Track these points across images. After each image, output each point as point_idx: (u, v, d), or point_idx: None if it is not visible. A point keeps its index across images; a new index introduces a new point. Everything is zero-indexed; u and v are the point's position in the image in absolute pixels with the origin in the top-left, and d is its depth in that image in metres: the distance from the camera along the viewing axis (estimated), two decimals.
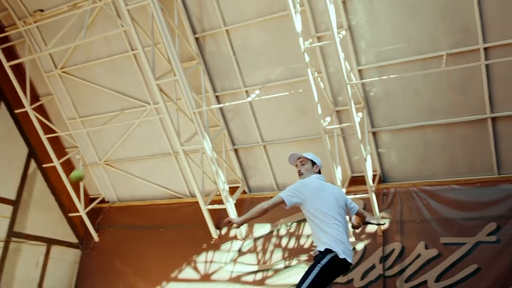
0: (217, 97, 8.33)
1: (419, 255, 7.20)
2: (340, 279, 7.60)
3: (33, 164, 9.82)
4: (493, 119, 6.84)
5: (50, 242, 9.93)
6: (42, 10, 8.56)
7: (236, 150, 8.77)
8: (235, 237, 8.78)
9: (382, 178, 7.84)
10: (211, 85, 8.24)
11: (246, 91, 8.04)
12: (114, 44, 8.50)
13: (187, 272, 9.12)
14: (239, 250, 8.71)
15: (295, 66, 7.52)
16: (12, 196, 9.39)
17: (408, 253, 7.28)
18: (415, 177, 7.56)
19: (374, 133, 7.62)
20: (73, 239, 10.40)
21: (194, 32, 7.88)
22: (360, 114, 7.06)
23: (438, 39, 6.63)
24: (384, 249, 7.46)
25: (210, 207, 8.49)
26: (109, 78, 8.94)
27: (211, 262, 9.01)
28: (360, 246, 7.64)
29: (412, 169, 7.59)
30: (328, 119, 7.19)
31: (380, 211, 7.58)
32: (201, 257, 9.07)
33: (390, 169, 7.79)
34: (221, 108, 8.45)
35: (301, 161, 4.48)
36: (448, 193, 7.23)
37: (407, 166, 7.63)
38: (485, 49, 6.46)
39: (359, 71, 7.17)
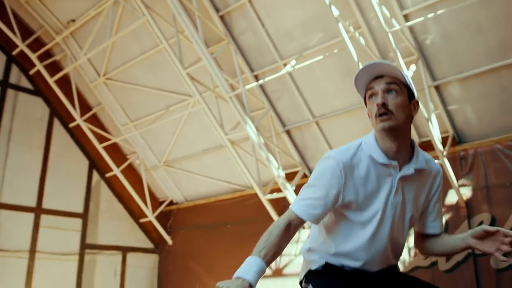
0: (255, 76, 7.58)
1: None
2: (422, 263, 6.53)
3: (95, 175, 9.84)
4: None
5: (125, 250, 9.90)
6: (73, 20, 8.44)
7: (288, 132, 7.96)
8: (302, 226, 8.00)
9: (457, 139, 6.57)
10: (247, 65, 7.51)
11: (285, 64, 7.20)
12: (144, 40, 8.11)
13: None
14: None
15: (333, 26, 6.51)
16: (79, 209, 9.46)
17: (501, 224, 5.96)
18: (497, 132, 6.20)
19: (437, 87, 6.38)
20: (148, 244, 10.30)
21: (217, 10, 7.19)
22: (413, 67, 5.90)
23: None
24: (471, 223, 6.22)
25: (270, 196, 7.79)
26: (148, 76, 8.60)
27: (281, 255, 8.32)
28: None
29: (492, 123, 6.24)
30: None
31: (458, 178, 6.36)
32: None
33: (465, 127, 6.49)
34: (263, 89, 7.69)
35: (387, 84, 2.02)
36: None
37: (486, 120, 6.29)
38: None
39: (405, 16, 5.99)
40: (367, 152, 2.02)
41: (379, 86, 2.00)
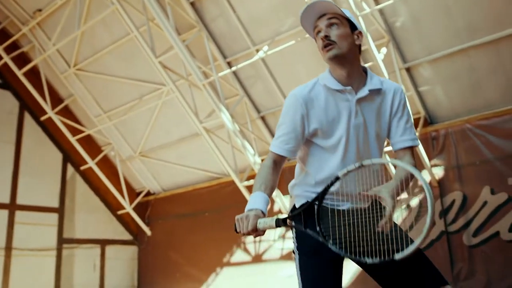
0: (228, 63, 7.55)
1: (485, 203, 6.05)
2: None
3: (70, 168, 9.70)
4: None
5: (103, 242, 9.82)
6: (40, 10, 8.24)
7: (263, 118, 7.98)
8: (279, 211, 8.06)
9: (428, 120, 6.68)
10: (220, 52, 7.46)
11: (257, 50, 7.18)
12: (114, 29, 7.97)
13: (239, 255, 8.63)
14: None
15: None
16: (55, 203, 9.32)
17: (472, 202, 6.15)
18: (467, 112, 6.34)
19: (408, 69, 6.46)
20: (127, 236, 10.25)
21: None
22: (384, 50, 5.96)
23: None
24: (443, 201, 6.38)
25: (247, 183, 7.82)
26: (120, 66, 8.47)
27: (260, 241, 8.40)
28: (414, 202, 6.60)
29: (462, 103, 6.37)
30: None
31: (431, 158, 6.48)
32: (250, 238, 8.50)
33: (436, 107, 6.61)
34: (237, 75, 7.67)
35: (328, 20, 2.20)
36: (510, 124, 5.97)
37: (456, 100, 6.42)
38: None
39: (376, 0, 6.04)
40: (322, 83, 2.23)
41: (322, 23, 2.21)
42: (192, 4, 7.17)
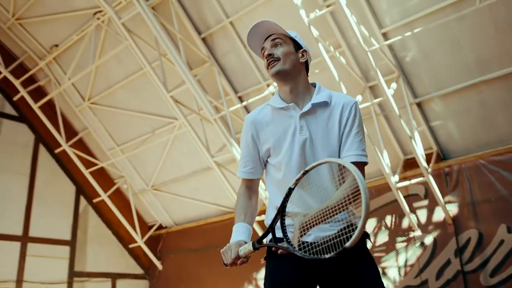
0: (240, 98, 7.57)
1: (502, 242, 5.85)
2: (413, 281, 6.44)
3: (83, 201, 9.74)
4: None
5: (114, 276, 9.73)
6: (56, 45, 8.45)
7: None
8: None
9: (441, 155, 6.55)
10: (231, 86, 7.51)
11: (268, 85, 7.21)
12: (128, 64, 8.11)
13: None
14: None
15: (313, 46, 6.54)
16: (67, 236, 9.33)
17: (488, 240, 5.94)
18: (480, 147, 6.21)
19: (419, 104, 6.39)
20: (138, 270, 10.15)
21: (199, 33, 7.22)
22: (394, 85, 5.91)
23: None
24: (458, 239, 6.18)
25: (258, 218, 7.70)
26: (133, 100, 8.58)
27: None
28: (428, 239, 6.41)
29: (474, 138, 6.24)
30: (360, 97, 6.13)
31: (444, 195, 6.32)
32: (261, 274, 8.34)
33: (448, 143, 6.49)
34: (248, 110, 7.66)
35: (273, 41, 2.31)
36: None
37: (468, 135, 6.30)
38: None
39: (384, 34, 6.03)
40: (269, 104, 2.32)
41: (268, 44, 2.32)
42: (204, 39, 7.27)
